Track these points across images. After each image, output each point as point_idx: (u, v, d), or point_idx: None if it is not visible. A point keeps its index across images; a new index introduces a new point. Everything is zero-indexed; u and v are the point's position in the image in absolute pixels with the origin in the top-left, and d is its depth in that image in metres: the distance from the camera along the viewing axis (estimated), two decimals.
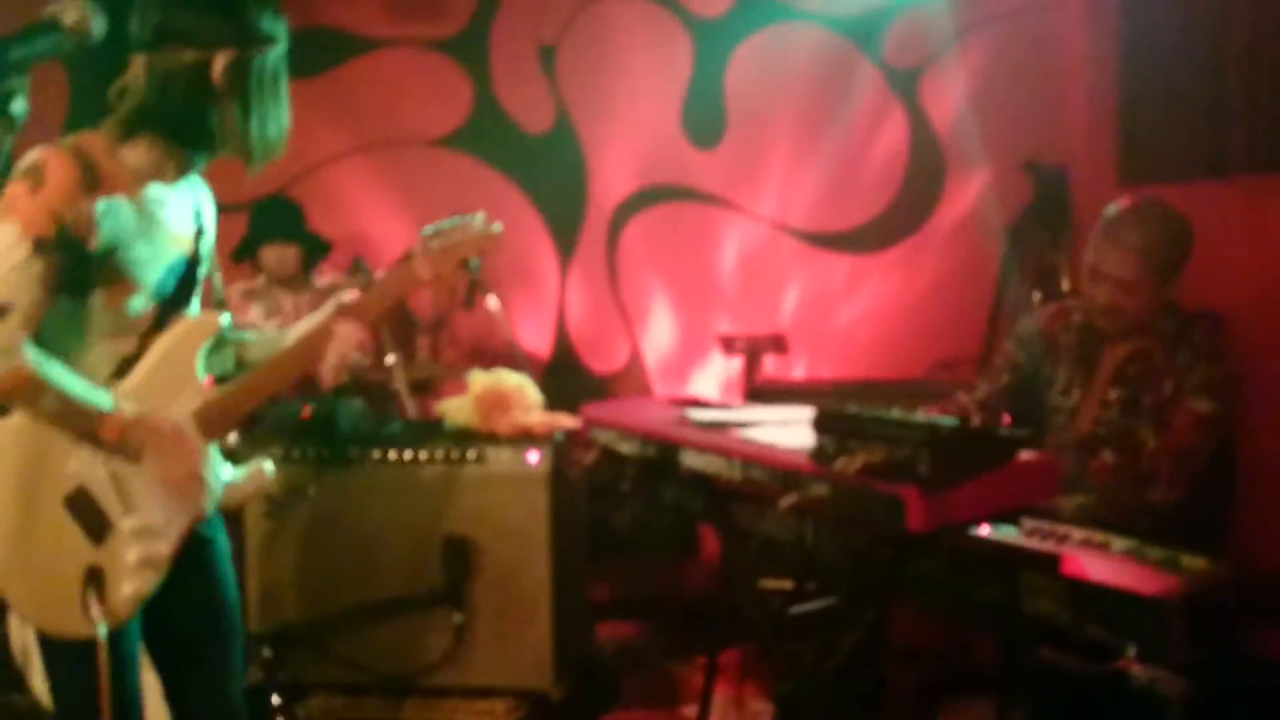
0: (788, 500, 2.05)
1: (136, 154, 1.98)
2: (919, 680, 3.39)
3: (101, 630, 1.90)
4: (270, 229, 4.38)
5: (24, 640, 2.83)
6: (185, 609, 2.15)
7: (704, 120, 5.19)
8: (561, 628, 3.36)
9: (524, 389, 3.50)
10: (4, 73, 1.39)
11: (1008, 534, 1.95)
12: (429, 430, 3.56)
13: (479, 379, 3.52)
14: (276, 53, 2.04)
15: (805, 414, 2.20)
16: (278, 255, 4.36)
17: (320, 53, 5.34)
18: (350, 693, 3.43)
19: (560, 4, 5.26)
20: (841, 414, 2.06)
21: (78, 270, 1.89)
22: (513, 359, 4.33)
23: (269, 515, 3.43)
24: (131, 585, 2.00)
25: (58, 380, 1.89)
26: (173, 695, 2.22)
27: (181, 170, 2.07)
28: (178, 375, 2.08)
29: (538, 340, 5.36)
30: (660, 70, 5.20)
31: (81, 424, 1.92)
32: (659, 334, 5.32)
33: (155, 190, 2.02)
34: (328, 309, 2.24)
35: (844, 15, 4.98)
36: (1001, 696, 2.88)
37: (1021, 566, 1.84)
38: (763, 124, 5.13)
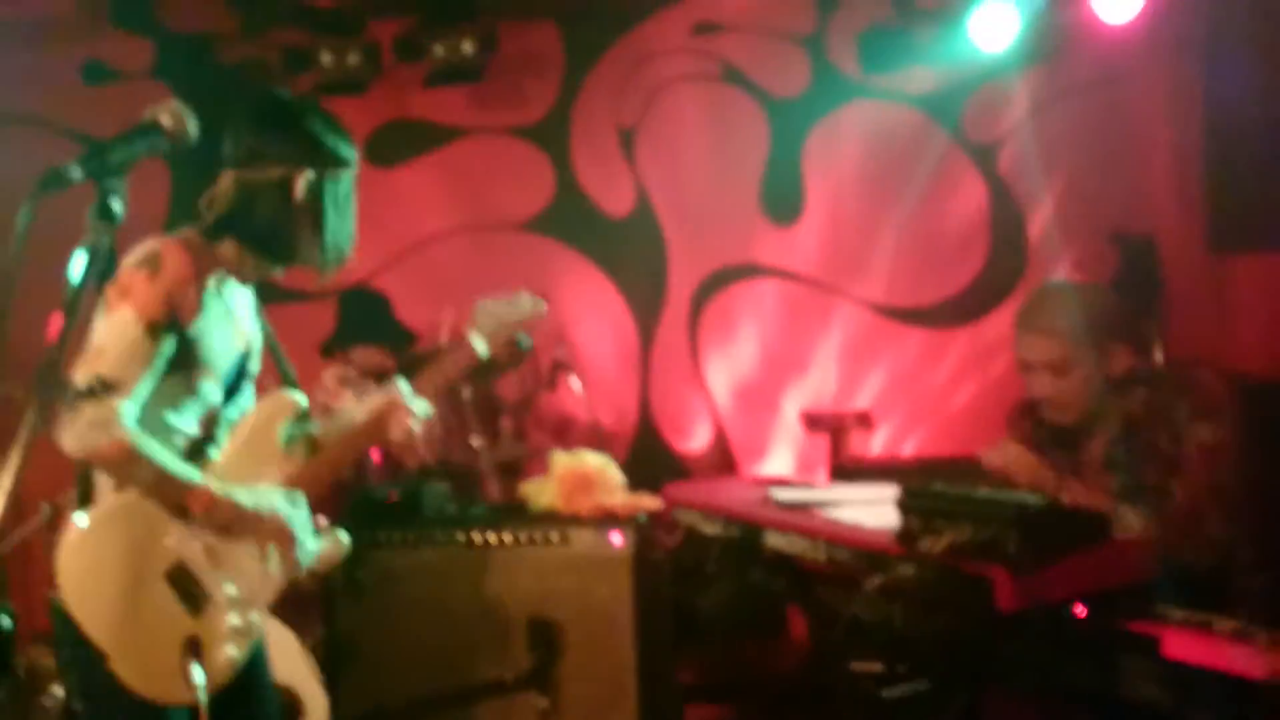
0: (873, 581, 2.03)
1: (224, 253, 2.15)
2: None
3: (203, 696, 1.99)
4: (357, 328, 4.50)
5: None
6: (235, 692, 2.21)
7: (782, 198, 5.21)
8: (648, 711, 3.32)
9: (606, 470, 3.51)
10: (105, 173, 1.47)
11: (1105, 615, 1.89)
12: (512, 512, 3.58)
13: (561, 460, 3.54)
14: (349, 174, 2.25)
15: (890, 493, 2.17)
16: (364, 356, 4.48)
17: (408, 143, 5.51)
18: None
19: (639, 87, 5.35)
20: (927, 492, 2.04)
21: (174, 353, 2.03)
22: (596, 440, 4.35)
23: (356, 600, 3.46)
24: (227, 653, 2.10)
25: (153, 453, 2.00)
26: None
27: (259, 274, 2.24)
28: (262, 452, 2.20)
29: (620, 420, 5.37)
30: (738, 150, 5.25)
31: (173, 496, 2.03)
32: (742, 413, 5.30)
33: (231, 288, 2.18)
34: (391, 388, 2.35)
35: (920, 91, 4.99)
36: None
37: (1120, 648, 1.78)
38: (842, 200, 5.13)
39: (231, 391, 2.21)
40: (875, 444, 4.98)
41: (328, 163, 2.20)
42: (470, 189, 5.47)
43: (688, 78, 5.31)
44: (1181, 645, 1.73)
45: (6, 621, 1.49)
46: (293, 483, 2.23)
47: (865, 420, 4.80)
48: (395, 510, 3.55)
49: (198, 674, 2.01)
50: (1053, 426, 2.78)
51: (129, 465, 1.97)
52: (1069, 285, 2.70)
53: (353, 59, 5.11)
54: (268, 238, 2.17)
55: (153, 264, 2.00)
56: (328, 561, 2.33)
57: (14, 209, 1.44)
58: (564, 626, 3.35)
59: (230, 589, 2.12)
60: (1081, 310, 2.64)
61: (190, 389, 2.10)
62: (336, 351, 4.54)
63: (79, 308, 1.47)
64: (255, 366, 2.31)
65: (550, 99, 5.43)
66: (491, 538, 3.44)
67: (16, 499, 1.45)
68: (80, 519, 2.05)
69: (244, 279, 2.22)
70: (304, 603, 3.61)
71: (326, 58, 5.10)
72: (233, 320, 2.17)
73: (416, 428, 2.29)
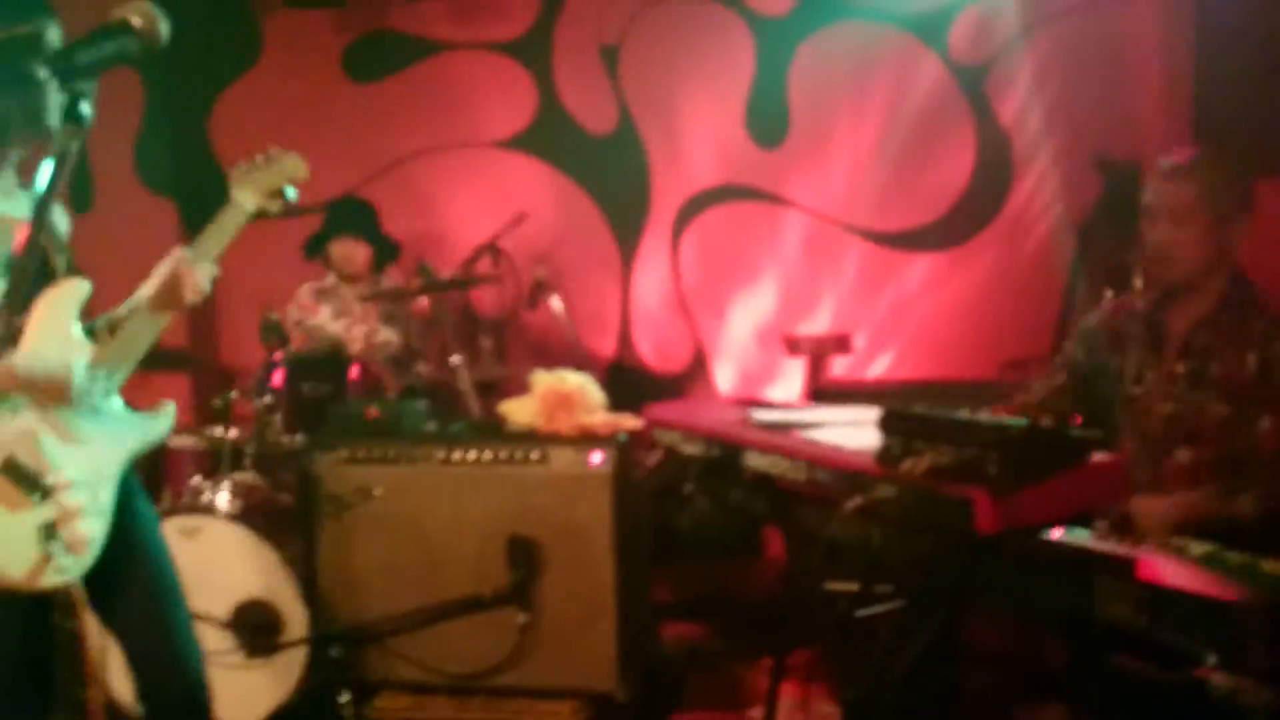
0: (853, 502, 2.03)
1: None
2: (989, 686, 3.33)
3: (73, 575, 2.15)
4: (342, 225, 4.45)
5: (101, 639, 2.89)
6: (120, 584, 2.30)
7: (767, 119, 5.16)
8: (626, 629, 3.35)
9: (586, 389, 3.49)
10: (72, 76, 1.41)
11: (1080, 537, 1.90)
12: (492, 430, 3.57)
13: (542, 379, 3.53)
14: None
15: (871, 415, 2.17)
16: (346, 251, 4.43)
17: (387, 57, 5.41)
18: (417, 691, 3.46)
19: (622, 5, 5.26)
20: (908, 414, 2.03)
21: None
22: (576, 359, 4.35)
23: (336, 515, 3.47)
24: (84, 529, 2.18)
25: None
26: (130, 660, 2.36)
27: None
28: (58, 340, 2.23)
29: (601, 340, 5.36)
30: (723, 70, 5.18)
31: None
32: (723, 334, 5.30)
33: None
34: (174, 255, 2.34)
35: (908, 12, 4.92)
36: (1075, 704, 2.82)
37: (1095, 571, 1.79)
38: (827, 122, 5.08)
39: (33, 286, 2.20)
40: (856, 367, 5.00)
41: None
42: (450, 105, 5.40)
43: None
44: (1156, 568, 1.74)
45: None
46: (100, 357, 2.27)
47: (844, 343, 4.81)
48: (374, 426, 3.54)
49: (59, 554, 2.13)
50: (1149, 313, 2.76)
51: None
52: (1219, 151, 2.66)
53: None
54: None
55: None
56: (157, 436, 2.38)
57: None
58: (543, 544, 3.36)
59: (71, 470, 2.19)
60: (1223, 170, 2.59)
61: None
62: (315, 252, 4.51)
63: (47, 214, 1.43)
64: (63, 262, 2.32)
65: (532, 14, 5.33)
66: (470, 455, 3.43)
67: None
68: None
69: None
70: (283, 518, 3.62)
71: None
72: None
73: (205, 286, 2.32)
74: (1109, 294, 4.28)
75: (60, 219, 2.37)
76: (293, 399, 3.92)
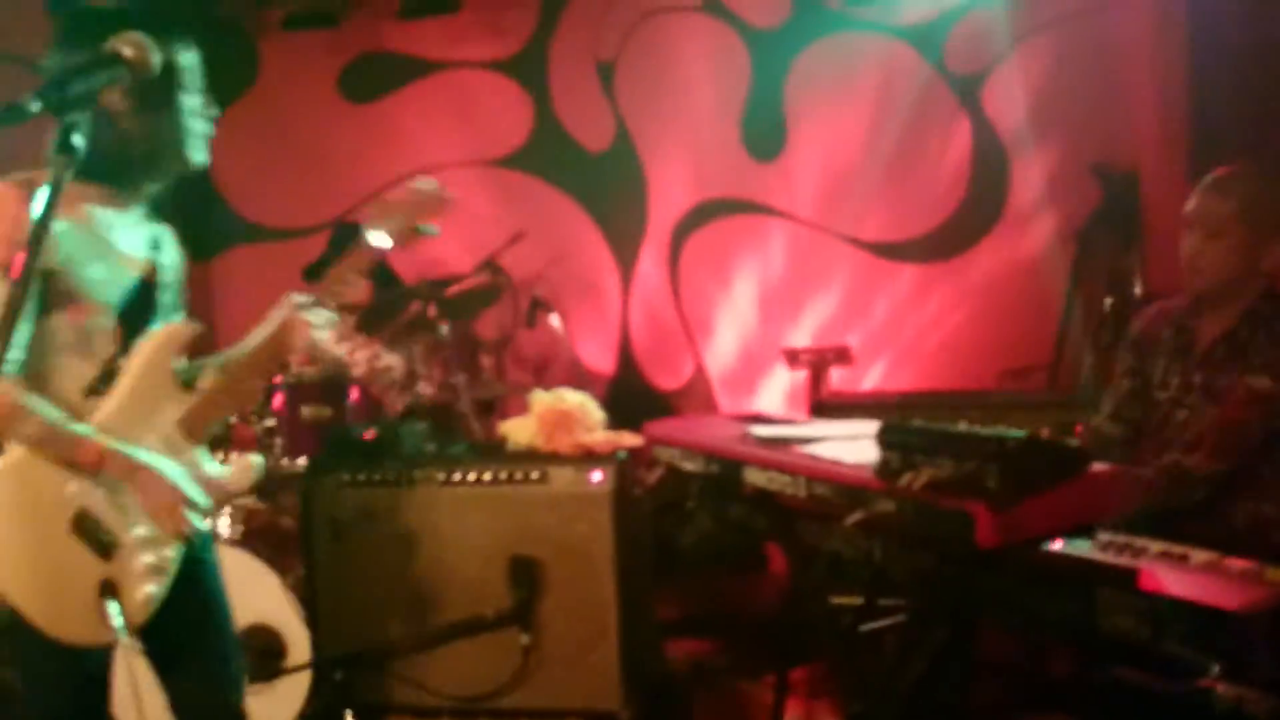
0: (853, 517, 2.02)
1: (82, 188, 2.05)
2: (994, 697, 3.31)
3: (123, 635, 2.03)
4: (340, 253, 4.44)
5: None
6: (178, 623, 2.21)
7: (763, 132, 5.17)
8: (630, 647, 3.34)
9: (585, 407, 3.49)
10: (65, 107, 1.42)
11: (1081, 548, 1.89)
12: (492, 451, 3.56)
13: (541, 399, 3.52)
14: (161, 74, 1.95)
15: (870, 429, 2.17)
16: (340, 271, 4.42)
17: (383, 77, 5.43)
18: (420, 715, 3.44)
19: (617, 21, 5.27)
20: (906, 428, 2.02)
21: (43, 291, 1.99)
22: (576, 377, 4.34)
23: (337, 538, 3.46)
24: (143, 591, 2.11)
25: (37, 408, 1.99)
26: (173, 703, 2.28)
27: (130, 200, 2.17)
28: (156, 386, 2.16)
29: (601, 357, 5.36)
30: (718, 83, 5.20)
31: (62, 449, 2.02)
32: (723, 349, 5.30)
33: (107, 219, 2.12)
34: (287, 303, 2.30)
35: (902, 23, 4.94)
36: (1079, 715, 2.80)
37: (1097, 582, 1.78)
38: (823, 134, 5.10)
39: (137, 326, 2.15)
40: (856, 379, 4.99)
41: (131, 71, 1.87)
42: (446, 124, 5.41)
43: (667, 9, 5.23)
44: (1158, 578, 1.73)
45: None
46: (193, 414, 2.19)
47: (844, 355, 4.80)
48: (374, 448, 3.54)
49: (114, 614, 2.03)
50: (1182, 319, 2.76)
51: (15, 420, 1.97)
52: (1263, 170, 2.67)
53: None
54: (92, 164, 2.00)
55: None
56: (238, 487, 2.30)
57: None
58: (545, 563, 3.35)
59: (140, 529, 2.11)
60: (1265, 189, 2.60)
61: (77, 327, 2.06)
62: (314, 279, 4.50)
63: (42, 244, 1.43)
64: (170, 299, 2.25)
65: (527, 31, 5.35)
66: (471, 475, 3.42)
67: None
68: None
69: (121, 207, 2.14)
70: (284, 541, 3.61)
71: None
72: (112, 251, 2.10)
73: (320, 335, 2.27)
74: (1109, 301, 4.28)
75: (169, 252, 2.29)
76: (293, 422, 3.92)
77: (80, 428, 2.04)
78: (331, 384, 4.14)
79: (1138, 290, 4.21)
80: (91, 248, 2.07)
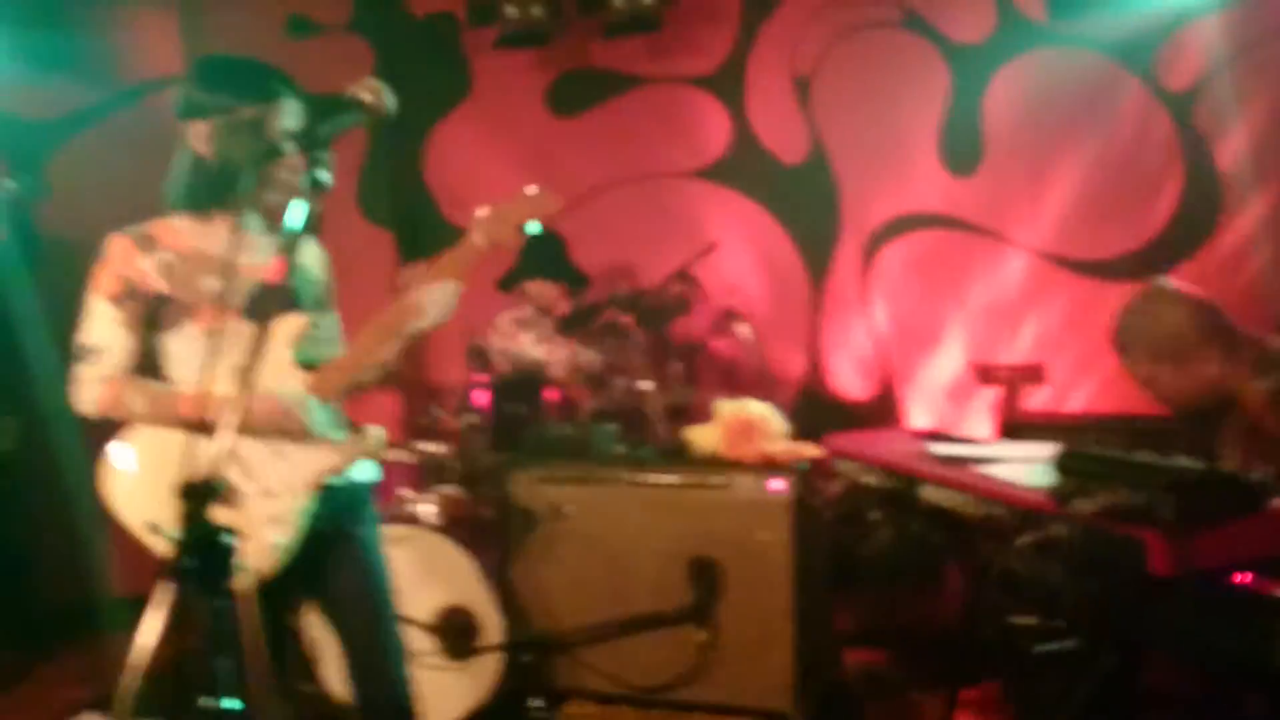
0: (1026, 538, 2.06)
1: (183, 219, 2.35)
2: None
3: (248, 580, 2.19)
4: (535, 263, 4.66)
5: (314, 633, 3.16)
6: (337, 597, 2.45)
7: (961, 147, 5.13)
8: (804, 652, 3.42)
9: (768, 418, 3.59)
10: (315, 145, 1.65)
11: (1261, 583, 1.88)
12: (678, 455, 3.70)
13: (726, 407, 3.64)
14: (247, 108, 2.24)
15: (1047, 451, 2.19)
16: (539, 288, 4.64)
17: (588, 92, 5.66)
18: (602, 701, 3.62)
19: (816, 36, 5.33)
20: (1084, 455, 2.05)
21: (147, 313, 2.29)
22: (764, 387, 4.44)
23: (530, 530, 3.67)
24: (267, 538, 2.29)
25: (138, 386, 2.29)
26: (349, 673, 2.50)
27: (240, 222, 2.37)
28: (276, 367, 2.33)
29: (791, 368, 5.43)
30: (916, 98, 5.19)
31: (168, 409, 2.28)
32: (912, 363, 5.28)
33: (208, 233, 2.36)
34: (410, 277, 2.42)
35: (1110, 38, 4.81)
36: None
37: (1276, 616, 1.78)
38: (1023, 149, 5.02)
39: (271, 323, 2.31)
40: (1054, 400, 4.90)
41: (215, 109, 2.25)
42: (647, 137, 5.59)
43: (866, 25, 5.26)
44: None
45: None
46: (320, 376, 2.36)
47: (1037, 373, 4.73)
48: (567, 448, 3.73)
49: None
50: None
51: (124, 400, 2.27)
52: (1154, 300, 2.63)
53: (536, 10, 5.27)
54: (178, 198, 2.33)
55: (100, 255, 2.29)
56: (356, 454, 2.42)
57: None
58: (724, 566, 3.47)
59: (269, 479, 2.31)
60: (1158, 327, 2.60)
61: (207, 333, 2.29)
62: (511, 288, 4.72)
63: (295, 250, 1.66)
64: (311, 295, 2.48)
65: (727, 48, 5.47)
66: (657, 478, 3.58)
67: None
68: (113, 452, 2.34)
69: (230, 225, 2.34)
70: (483, 530, 3.84)
71: (511, 10, 5.28)
72: (227, 263, 2.31)
73: (437, 317, 2.34)
74: None
75: (311, 256, 2.56)
76: (496, 419, 4.15)
77: (176, 386, 2.30)
78: (530, 383, 4.38)
79: None
80: (201, 265, 2.32)
